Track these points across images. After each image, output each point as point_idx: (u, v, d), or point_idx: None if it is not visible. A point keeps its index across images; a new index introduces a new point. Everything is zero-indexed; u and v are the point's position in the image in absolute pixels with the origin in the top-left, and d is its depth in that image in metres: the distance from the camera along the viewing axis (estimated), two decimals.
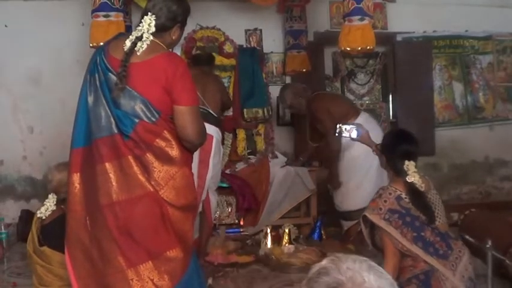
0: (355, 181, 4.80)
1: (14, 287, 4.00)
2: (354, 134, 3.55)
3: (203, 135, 2.61)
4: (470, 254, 2.90)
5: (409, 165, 2.89)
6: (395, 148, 2.98)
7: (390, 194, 2.87)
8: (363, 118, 4.79)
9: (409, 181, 2.87)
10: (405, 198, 2.86)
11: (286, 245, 4.64)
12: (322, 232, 5.06)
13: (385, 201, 2.85)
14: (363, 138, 3.54)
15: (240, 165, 5.41)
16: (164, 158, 2.47)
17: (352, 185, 4.82)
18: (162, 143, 2.47)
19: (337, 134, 3.68)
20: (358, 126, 3.62)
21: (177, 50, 5.21)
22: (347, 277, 1.03)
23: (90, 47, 3.89)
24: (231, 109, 5.43)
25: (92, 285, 2.47)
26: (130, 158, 2.42)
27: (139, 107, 2.44)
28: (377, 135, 3.80)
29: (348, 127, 3.61)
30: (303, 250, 4.48)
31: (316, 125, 5.06)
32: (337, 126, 3.67)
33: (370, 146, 3.40)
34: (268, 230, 4.76)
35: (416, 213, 2.84)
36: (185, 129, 2.49)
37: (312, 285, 1.05)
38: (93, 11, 3.98)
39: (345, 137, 3.67)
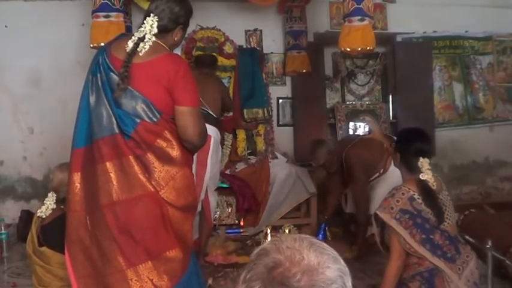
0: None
1: (14, 287, 4.00)
2: (367, 130, 3.57)
3: (204, 137, 2.61)
4: (477, 259, 2.90)
5: (423, 163, 2.89)
6: (410, 145, 2.98)
7: (403, 194, 2.87)
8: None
9: (422, 179, 2.87)
10: (418, 199, 2.86)
11: None
12: (328, 234, 4.99)
13: (398, 200, 2.85)
14: (374, 134, 3.55)
15: (240, 166, 5.41)
16: (165, 158, 2.47)
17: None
18: (163, 143, 2.47)
19: (351, 131, 3.67)
20: (369, 122, 3.63)
21: (178, 51, 5.19)
22: (285, 256, 1.03)
23: (91, 47, 3.89)
24: None
25: (92, 285, 2.47)
26: (131, 157, 2.42)
27: (140, 107, 2.45)
28: None
29: (361, 124, 3.62)
30: None
31: (347, 176, 4.82)
32: (350, 123, 3.65)
33: (383, 141, 3.42)
34: (268, 231, 4.75)
35: (427, 215, 2.84)
36: (186, 130, 2.49)
37: (252, 268, 1.05)
38: (94, 12, 3.98)
39: (359, 133, 3.65)
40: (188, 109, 2.49)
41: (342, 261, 1.07)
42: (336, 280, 1.03)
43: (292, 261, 1.02)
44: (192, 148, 2.58)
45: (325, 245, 1.09)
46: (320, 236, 4.93)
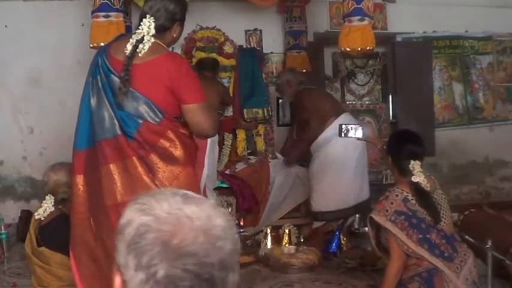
0: (330, 180, 4.77)
1: (14, 287, 3.99)
2: (360, 134, 3.45)
3: (217, 126, 2.69)
4: (474, 258, 2.90)
5: (415, 165, 2.91)
6: (401, 148, 3.00)
7: (397, 195, 2.88)
8: (343, 119, 4.71)
9: (414, 181, 2.87)
10: (412, 199, 2.87)
11: (286, 245, 4.64)
12: (342, 243, 4.55)
13: (392, 203, 2.86)
14: (369, 138, 3.51)
15: (240, 166, 5.41)
16: (168, 158, 2.47)
17: (326, 185, 4.79)
18: (166, 143, 2.47)
19: (343, 135, 3.53)
20: (364, 126, 3.54)
21: (177, 50, 5.20)
22: (171, 224, 0.92)
23: (90, 47, 3.90)
24: (231, 109, 5.44)
25: (97, 286, 2.47)
26: (134, 159, 2.42)
27: (142, 108, 2.44)
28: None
29: (353, 126, 3.50)
30: (302, 250, 4.48)
31: (303, 117, 5.10)
32: (342, 126, 3.53)
33: (376, 145, 3.40)
34: (268, 231, 4.76)
35: (422, 215, 2.85)
36: (201, 125, 2.51)
37: (142, 251, 0.91)
38: (93, 12, 3.99)
39: (351, 137, 3.52)
40: (197, 106, 2.50)
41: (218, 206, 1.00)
42: (231, 226, 0.96)
43: (183, 226, 0.92)
44: (205, 138, 2.63)
45: (193, 193, 1.00)
46: (334, 245, 4.56)
